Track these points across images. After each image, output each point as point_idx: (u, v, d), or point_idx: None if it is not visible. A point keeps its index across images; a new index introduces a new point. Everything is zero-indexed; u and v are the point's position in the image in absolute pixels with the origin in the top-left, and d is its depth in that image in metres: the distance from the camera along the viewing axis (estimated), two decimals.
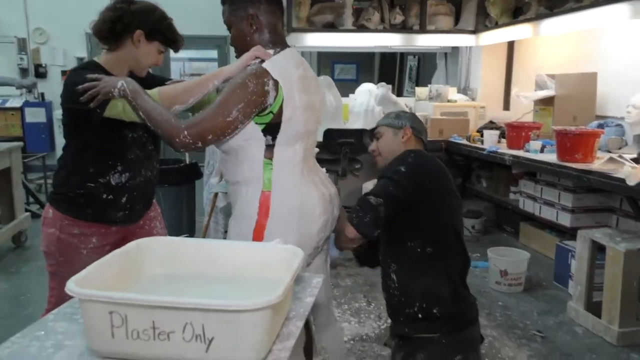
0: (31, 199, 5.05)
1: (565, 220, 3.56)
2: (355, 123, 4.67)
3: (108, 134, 1.71)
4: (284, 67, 1.54)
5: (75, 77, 1.62)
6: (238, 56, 1.66)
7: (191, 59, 11.06)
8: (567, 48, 4.23)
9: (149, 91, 1.56)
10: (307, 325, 1.97)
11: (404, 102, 5.25)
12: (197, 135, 1.46)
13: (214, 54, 8.31)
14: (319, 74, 8.29)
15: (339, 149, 4.35)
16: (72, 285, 0.85)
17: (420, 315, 1.71)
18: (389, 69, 8.34)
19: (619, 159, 2.83)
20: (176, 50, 1.88)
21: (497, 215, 4.87)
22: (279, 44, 1.64)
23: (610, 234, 2.81)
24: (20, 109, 6.81)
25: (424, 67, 7.34)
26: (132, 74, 1.80)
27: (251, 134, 1.55)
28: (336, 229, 1.75)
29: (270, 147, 1.55)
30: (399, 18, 4.63)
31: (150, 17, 1.76)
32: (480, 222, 4.61)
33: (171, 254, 1.09)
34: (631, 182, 2.34)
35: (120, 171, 1.78)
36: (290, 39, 4.68)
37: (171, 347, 0.84)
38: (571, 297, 3.04)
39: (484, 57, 5.18)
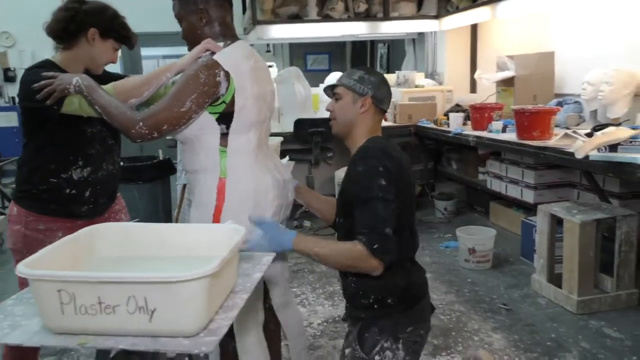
0: (6, 203, 5.05)
1: (529, 197, 3.68)
2: (325, 112, 4.72)
3: (67, 130, 1.75)
4: (235, 58, 1.59)
5: (31, 76, 1.66)
6: (190, 49, 1.71)
7: (165, 57, 11.01)
8: (525, 29, 4.34)
9: (104, 86, 1.61)
10: (272, 309, 2.05)
11: None
12: (152, 126, 1.51)
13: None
14: (291, 65, 8.37)
15: (310, 139, 4.42)
16: (22, 268, 0.91)
17: (375, 306, 1.75)
18: (360, 57, 8.42)
19: (573, 134, 2.94)
20: (130, 48, 1.93)
21: (468, 196, 4.99)
22: (229, 36, 1.70)
23: (568, 207, 2.93)
24: None
25: (394, 54, 7.43)
26: (88, 72, 1.84)
27: (206, 124, 1.61)
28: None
29: (225, 136, 1.61)
30: (362, 6, 4.69)
31: (104, 16, 1.80)
32: (452, 203, 4.73)
33: (123, 238, 1.16)
34: (579, 155, 2.44)
35: (82, 166, 1.82)
36: (256, 31, 4.73)
37: (117, 319, 0.91)
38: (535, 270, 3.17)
39: (448, 41, 5.28)
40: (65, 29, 1.75)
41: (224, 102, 1.59)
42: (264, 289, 1.97)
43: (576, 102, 3.66)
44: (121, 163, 3.59)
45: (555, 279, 2.96)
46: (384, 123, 4.67)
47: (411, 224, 1.79)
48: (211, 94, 1.56)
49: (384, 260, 1.57)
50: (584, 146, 2.43)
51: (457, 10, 4.42)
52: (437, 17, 4.80)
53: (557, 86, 3.96)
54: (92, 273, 0.90)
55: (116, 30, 1.82)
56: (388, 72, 7.07)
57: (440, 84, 5.33)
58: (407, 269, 1.76)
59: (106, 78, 1.84)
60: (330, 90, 1.78)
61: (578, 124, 3.55)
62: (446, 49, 5.34)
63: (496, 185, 4.08)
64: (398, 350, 1.72)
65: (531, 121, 3.17)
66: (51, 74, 1.61)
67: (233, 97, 1.59)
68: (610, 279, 2.84)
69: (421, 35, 5.69)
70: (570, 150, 2.59)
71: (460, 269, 3.49)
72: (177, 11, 1.73)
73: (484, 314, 2.84)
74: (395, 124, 4.71)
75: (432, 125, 4.41)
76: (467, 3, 4.31)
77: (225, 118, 1.59)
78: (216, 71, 1.55)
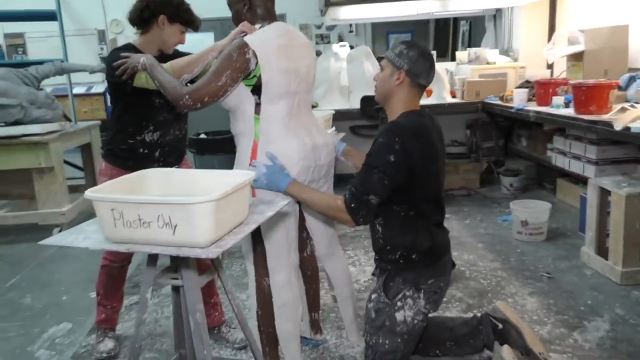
0: None
1: (590, 172, 3.64)
2: None
3: (139, 100, 2.16)
4: (263, 38, 1.86)
5: (112, 56, 2.07)
6: None
7: None
8: (603, 2, 4.20)
9: (163, 65, 1.97)
10: (312, 257, 2.34)
11: (445, 67, 5.42)
12: (196, 98, 1.82)
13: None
14: (373, 46, 8.53)
15: (376, 115, 4.63)
16: (87, 192, 1.28)
17: (401, 261, 1.98)
18: (443, 35, 8.38)
19: (629, 107, 2.91)
20: (195, 30, 2.29)
21: (537, 173, 4.95)
22: (268, 19, 1.98)
23: (618, 181, 2.93)
24: (103, 94, 7.64)
25: (475, 31, 7.34)
26: (162, 53, 2.23)
27: (243, 95, 1.91)
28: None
29: (259, 105, 1.91)
30: None
31: (171, 4, 2.17)
32: (519, 180, 4.74)
33: (165, 179, 1.50)
34: (617, 127, 2.46)
35: (152, 130, 2.23)
36: (329, 13, 4.98)
37: (151, 232, 1.24)
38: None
39: (524, 17, 5.19)
40: (140, 17, 2.14)
41: (255, 76, 1.87)
42: (306, 240, 2.27)
43: None
44: (204, 136, 4.08)
45: (604, 252, 2.98)
46: (451, 99, 4.81)
47: (437, 195, 2.00)
48: (243, 70, 1.84)
49: (355, 220, 1.83)
50: (623, 118, 2.45)
51: None
52: None
53: (631, 60, 3.84)
54: (133, 196, 1.25)
55: (181, 15, 2.19)
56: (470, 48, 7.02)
57: (515, 60, 5.27)
58: (432, 232, 1.99)
59: (179, 57, 2.21)
60: (379, 61, 2.01)
61: None
62: (522, 24, 5.26)
63: (560, 162, 4.06)
64: (419, 299, 1.97)
65: (588, 95, 3.16)
66: (126, 54, 2.00)
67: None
68: None
69: (500, 11, 5.62)
70: (608, 120, 2.60)
71: (513, 241, 3.58)
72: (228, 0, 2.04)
73: (525, 281, 2.95)
74: (463, 101, 4.77)
75: (498, 102, 4.44)
76: None
77: (258, 89, 1.88)
78: (245, 50, 1.81)
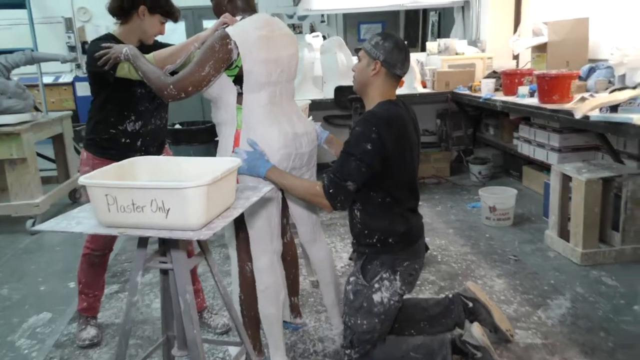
0: None
1: (553, 159, 3.83)
2: None
3: (122, 90, 2.19)
4: (243, 29, 1.91)
5: (93, 47, 2.09)
6: None
7: None
8: None
9: (146, 55, 2.00)
10: (292, 243, 2.42)
11: (416, 57, 5.53)
12: (180, 88, 1.86)
13: None
14: (345, 35, 8.60)
15: (350, 105, 4.71)
16: (82, 179, 1.33)
17: (378, 244, 2.08)
18: (413, 26, 8.52)
19: (589, 97, 3.08)
20: (175, 21, 2.32)
21: (504, 161, 5.14)
22: (248, 10, 2.03)
23: (579, 167, 3.10)
24: (72, 84, 7.52)
25: (444, 22, 7.50)
26: (141, 43, 2.26)
27: (225, 85, 1.96)
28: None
29: (241, 95, 1.97)
30: None
31: None
32: (487, 167, 4.90)
33: (154, 166, 1.56)
34: (577, 115, 2.62)
35: (134, 120, 2.26)
36: (302, 3, 5.04)
37: (145, 216, 1.30)
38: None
39: (491, 8, 5.35)
40: (120, 7, 2.17)
41: (237, 66, 1.92)
42: (287, 226, 2.35)
43: (608, 67, 3.73)
44: (178, 126, 4.08)
45: (566, 235, 3.16)
46: (422, 90, 4.94)
47: (411, 182, 2.09)
48: (225, 60, 1.88)
49: (333, 205, 1.91)
50: (582, 107, 2.60)
51: None
52: None
53: (591, 52, 4.03)
54: (127, 182, 1.30)
55: (161, 6, 2.22)
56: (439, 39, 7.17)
57: (483, 51, 5.43)
58: (407, 217, 2.08)
59: (158, 47, 2.24)
60: (357, 51, 2.08)
61: (607, 89, 3.64)
62: (489, 16, 5.42)
63: (526, 149, 4.24)
64: (395, 281, 2.06)
65: (551, 85, 3.33)
66: (108, 45, 2.02)
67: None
68: (617, 234, 3.00)
69: (467, 2, 5.77)
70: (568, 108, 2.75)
71: (482, 226, 3.73)
72: None
73: (493, 263, 3.10)
74: (434, 91, 4.90)
75: (467, 92, 4.58)
76: None
77: (240, 79, 1.94)
78: (227, 41, 1.86)
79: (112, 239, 2.40)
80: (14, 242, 3.92)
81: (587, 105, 2.58)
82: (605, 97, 2.56)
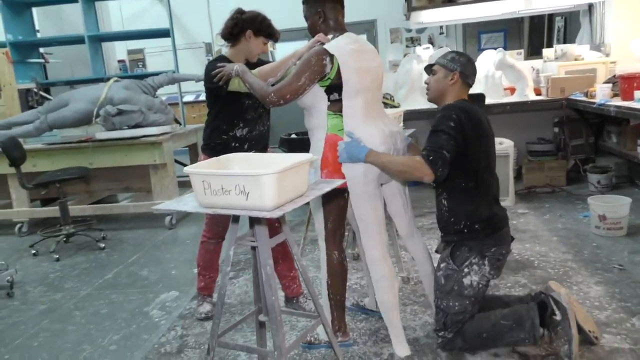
0: None
1: None
2: (477, 88, 5.01)
3: (232, 101, 2.58)
4: (339, 45, 2.19)
5: (209, 66, 2.51)
6: None
7: None
8: None
9: (252, 71, 2.37)
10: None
11: (531, 65, 5.42)
12: (279, 95, 2.18)
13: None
14: (464, 46, 8.56)
15: None
16: (187, 168, 1.69)
17: (465, 230, 2.26)
18: (537, 32, 8.21)
19: None
20: (275, 41, 2.68)
21: (629, 170, 4.81)
22: (339, 30, 2.31)
23: None
24: None
25: (571, 28, 7.15)
26: (247, 61, 2.65)
27: (318, 94, 2.25)
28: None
29: (332, 103, 2.23)
30: None
31: (256, 20, 2.58)
32: (607, 177, 4.65)
33: (246, 161, 1.89)
34: None
35: (242, 127, 2.65)
36: (412, 17, 5.22)
37: (230, 199, 1.61)
38: None
39: (616, 10, 5.07)
40: (230, 32, 2.58)
41: (329, 78, 2.21)
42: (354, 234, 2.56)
43: None
44: (294, 136, 4.48)
45: None
46: (533, 97, 4.85)
47: (490, 168, 2.25)
48: (319, 72, 2.18)
49: (435, 170, 2.07)
50: None
51: None
52: None
53: None
54: (218, 170, 1.63)
55: (264, 29, 2.59)
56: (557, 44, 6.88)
57: (607, 55, 5.15)
58: (490, 203, 2.26)
59: (259, 64, 2.62)
60: (428, 68, 2.35)
61: None
62: (614, 18, 5.13)
63: None
64: (484, 266, 2.23)
65: None
66: (222, 64, 2.43)
67: (337, 73, 2.19)
68: None
69: (592, 6, 5.51)
70: None
71: (590, 235, 3.59)
72: (305, 13, 2.39)
73: (594, 271, 2.99)
74: (547, 98, 4.78)
75: (582, 98, 4.41)
76: None
77: (331, 89, 2.22)
78: (323, 56, 2.16)
79: (224, 229, 2.80)
80: (154, 235, 4.61)
81: None
82: None
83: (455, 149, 2.10)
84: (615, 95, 4.10)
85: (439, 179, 2.12)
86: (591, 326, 2.25)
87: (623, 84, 3.88)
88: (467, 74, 2.25)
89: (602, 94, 4.08)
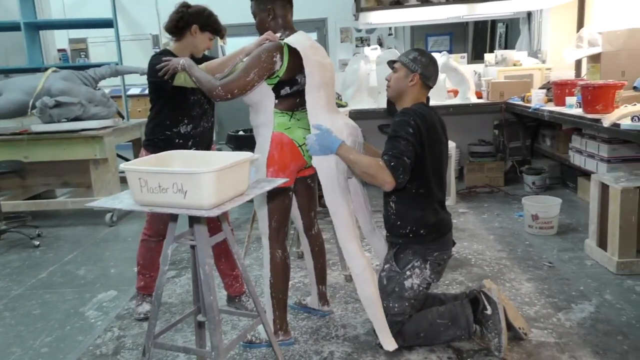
0: None
1: (602, 170, 3.78)
2: None
3: (176, 97, 2.53)
4: (299, 40, 2.19)
5: (153, 60, 2.45)
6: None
7: None
8: (627, 5, 4.30)
9: (199, 65, 2.33)
10: (319, 256, 2.64)
11: (473, 69, 5.61)
12: (227, 90, 2.15)
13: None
14: (412, 47, 8.70)
15: None
16: (121, 165, 1.65)
17: (411, 235, 2.29)
18: (481, 37, 8.50)
19: (632, 107, 3.06)
20: (221, 37, 2.65)
21: (562, 172, 5.07)
22: (288, 28, 2.31)
23: (618, 176, 3.08)
24: None
25: (512, 34, 7.44)
26: (192, 56, 2.60)
27: (266, 92, 2.24)
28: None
29: (281, 100, 2.23)
30: None
31: (202, 15, 2.54)
32: (541, 178, 4.87)
33: (185, 158, 1.86)
34: (605, 124, 2.64)
35: (187, 123, 2.60)
36: (361, 18, 5.27)
37: (168, 196, 1.59)
38: None
39: (552, 19, 5.32)
40: (175, 26, 2.53)
41: (277, 76, 2.20)
42: (314, 219, 2.58)
43: None
44: (242, 133, 4.43)
45: (605, 244, 3.13)
46: (475, 100, 5.02)
47: (440, 174, 2.30)
48: (269, 69, 2.17)
49: (396, 177, 2.08)
50: (610, 115, 2.62)
51: None
52: None
53: None
54: (155, 168, 1.61)
55: (211, 25, 2.56)
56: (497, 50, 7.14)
57: (543, 62, 5.40)
58: (436, 210, 2.29)
59: (204, 60, 2.58)
60: (391, 63, 2.35)
61: None
62: (550, 27, 5.38)
63: (578, 160, 4.19)
64: (425, 269, 2.28)
65: (594, 96, 3.33)
66: (167, 58, 2.37)
67: (286, 70, 2.19)
68: None
69: (531, 14, 5.75)
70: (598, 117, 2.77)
71: (523, 234, 3.76)
72: (253, 9, 2.37)
73: (526, 269, 3.14)
74: (487, 101, 4.96)
75: (519, 102, 4.60)
76: None
77: (278, 87, 2.21)
78: (274, 53, 2.15)
79: (164, 227, 2.74)
80: (94, 232, 4.46)
81: (616, 114, 2.60)
82: (636, 107, 2.57)
83: (414, 156, 2.12)
84: (549, 100, 4.31)
85: (399, 186, 2.12)
86: (521, 323, 2.36)
87: (556, 90, 4.09)
88: (428, 75, 2.24)
89: (537, 99, 4.28)
